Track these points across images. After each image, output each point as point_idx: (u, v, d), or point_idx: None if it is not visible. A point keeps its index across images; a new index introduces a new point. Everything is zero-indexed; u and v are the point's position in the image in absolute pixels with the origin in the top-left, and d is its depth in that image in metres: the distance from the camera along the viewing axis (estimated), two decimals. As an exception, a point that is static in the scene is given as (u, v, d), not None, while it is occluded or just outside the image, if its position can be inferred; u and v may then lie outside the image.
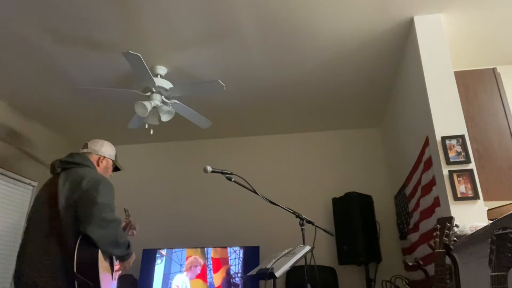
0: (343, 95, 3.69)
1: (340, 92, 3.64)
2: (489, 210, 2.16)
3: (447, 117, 2.39)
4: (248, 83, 3.48)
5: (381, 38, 2.89)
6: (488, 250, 1.16)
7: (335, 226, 3.68)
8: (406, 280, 3.37)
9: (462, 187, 2.19)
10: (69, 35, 2.83)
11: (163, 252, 3.87)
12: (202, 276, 3.70)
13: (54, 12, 2.59)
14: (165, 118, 3.09)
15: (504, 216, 1.43)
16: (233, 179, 2.05)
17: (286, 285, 3.66)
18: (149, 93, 3.09)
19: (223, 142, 4.65)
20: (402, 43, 2.95)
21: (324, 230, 2.34)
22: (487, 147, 2.35)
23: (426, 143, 2.57)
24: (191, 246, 4.04)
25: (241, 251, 3.75)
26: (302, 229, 2.15)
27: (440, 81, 2.49)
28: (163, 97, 3.12)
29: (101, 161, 2.27)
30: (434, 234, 1.73)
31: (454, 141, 2.30)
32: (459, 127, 2.34)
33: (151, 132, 3.42)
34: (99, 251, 1.83)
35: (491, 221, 1.69)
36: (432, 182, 2.47)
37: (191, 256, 3.80)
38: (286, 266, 1.67)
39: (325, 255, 3.88)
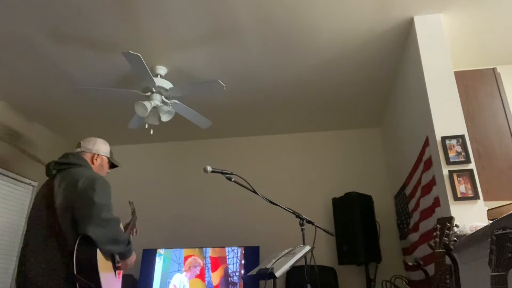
0: (343, 95, 3.69)
1: (340, 92, 3.64)
2: (489, 210, 2.16)
3: (447, 117, 2.38)
4: (248, 83, 3.48)
5: (381, 38, 2.89)
6: (488, 250, 1.16)
7: (335, 226, 3.68)
8: (406, 280, 3.38)
9: (462, 187, 2.19)
10: (69, 35, 2.83)
11: (162, 251, 3.87)
12: (201, 275, 3.70)
13: (54, 12, 2.59)
14: (165, 118, 3.09)
15: (504, 216, 1.43)
16: (233, 179, 2.05)
17: (286, 285, 3.66)
18: (149, 93, 3.09)
19: (223, 142, 4.65)
20: (402, 43, 2.95)
21: (324, 230, 2.34)
22: (487, 147, 2.35)
23: (426, 143, 2.57)
24: (191, 246, 4.04)
25: (239, 250, 3.75)
26: (302, 229, 2.15)
27: (440, 81, 2.49)
28: (163, 97, 3.12)
29: (96, 159, 2.24)
30: (434, 234, 1.74)
31: (454, 141, 2.30)
32: (459, 127, 2.34)
33: (151, 132, 3.42)
34: (98, 251, 1.82)
35: (491, 221, 1.69)
36: (432, 182, 2.47)
37: (190, 256, 3.80)
38: (286, 266, 1.67)
39: (325, 255, 3.88)
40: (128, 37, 2.85)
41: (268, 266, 1.65)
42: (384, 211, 3.95)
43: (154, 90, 3.07)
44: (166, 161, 4.68)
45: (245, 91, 3.60)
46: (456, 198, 2.17)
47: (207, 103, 3.81)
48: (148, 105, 2.96)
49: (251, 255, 3.70)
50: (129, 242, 2.00)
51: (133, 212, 2.54)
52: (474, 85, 2.53)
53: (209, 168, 1.98)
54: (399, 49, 3.02)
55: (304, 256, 1.86)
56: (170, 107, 3.18)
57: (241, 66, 3.22)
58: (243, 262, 3.70)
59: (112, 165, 2.38)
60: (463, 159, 2.25)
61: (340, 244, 3.57)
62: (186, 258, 3.81)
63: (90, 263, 1.79)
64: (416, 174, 2.91)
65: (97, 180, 1.95)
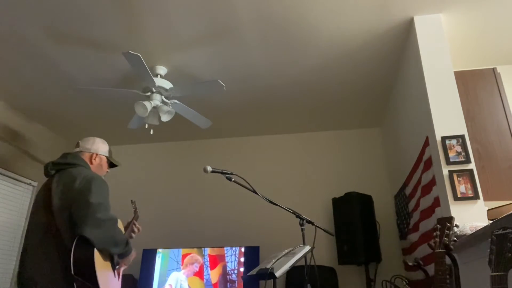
0: (343, 95, 3.69)
1: (340, 92, 3.64)
2: (489, 210, 2.16)
3: (447, 117, 2.38)
4: (248, 83, 3.48)
5: (381, 38, 2.89)
6: (488, 250, 1.16)
7: (335, 226, 3.68)
8: (406, 280, 3.38)
9: (462, 187, 2.19)
10: (69, 35, 2.83)
11: (161, 250, 3.87)
12: (199, 273, 3.70)
13: (54, 12, 2.59)
14: (165, 118, 3.10)
15: (504, 216, 1.43)
16: (233, 179, 2.05)
17: (286, 285, 3.66)
18: (149, 93, 3.09)
19: (223, 142, 4.65)
20: (402, 43, 2.95)
21: (324, 230, 2.34)
22: (487, 147, 2.35)
23: (426, 143, 2.57)
24: (191, 246, 4.04)
25: (238, 249, 3.75)
26: (302, 229, 2.15)
27: (440, 81, 2.49)
28: (163, 97, 3.12)
29: (94, 159, 2.23)
30: (434, 234, 1.74)
31: (454, 141, 2.30)
32: (459, 127, 2.34)
33: (151, 132, 3.42)
34: (96, 251, 1.82)
35: (491, 221, 1.69)
36: (432, 182, 2.47)
37: (189, 254, 3.80)
38: (286, 266, 1.67)
39: (325, 255, 3.88)
40: (128, 37, 2.85)
41: (268, 266, 1.65)
42: (384, 211, 3.95)
43: (154, 90, 3.07)
44: (166, 161, 4.68)
45: (245, 91, 3.60)
46: (456, 198, 2.17)
47: (207, 103, 3.81)
48: (148, 105, 2.96)
49: (251, 255, 3.70)
50: (127, 243, 1.99)
51: (135, 211, 2.54)
52: (474, 85, 2.53)
53: (209, 168, 1.98)
54: (399, 49, 3.02)
55: (304, 256, 1.87)
56: (170, 107, 3.18)
57: (241, 66, 3.22)
58: (241, 259, 3.70)
59: (111, 165, 2.38)
60: (463, 159, 2.25)
61: (340, 244, 3.57)
62: (184, 256, 3.80)
63: (88, 264, 1.79)
64: (416, 174, 2.91)
65: (93, 180, 1.94)
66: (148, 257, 3.87)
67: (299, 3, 2.54)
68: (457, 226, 1.82)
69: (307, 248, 1.89)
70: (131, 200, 2.69)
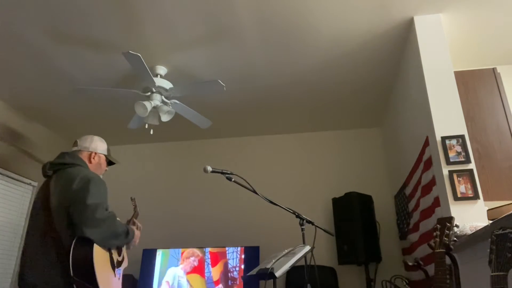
0: (343, 95, 3.69)
1: (340, 92, 3.64)
2: (489, 210, 2.16)
3: (447, 117, 2.38)
4: (248, 83, 3.48)
5: (381, 38, 2.89)
6: (488, 250, 1.16)
7: (335, 226, 3.69)
8: (406, 280, 3.37)
9: (462, 187, 2.19)
10: (69, 35, 2.83)
11: (161, 250, 3.87)
12: (200, 270, 3.69)
13: (54, 12, 2.59)
14: (165, 118, 3.09)
15: (504, 216, 1.43)
16: (233, 179, 2.05)
17: (286, 285, 3.66)
18: (149, 93, 3.09)
19: (223, 142, 4.65)
20: (402, 43, 2.94)
21: (324, 230, 2.34)
22: (487, 147, 2.35)
23: (426, 143, 2.57)
24: (191, 247, 4.04)
25: (240, 248, 3.75)
26: (302, 229, 2.15)
27: (440, 81, 2.49)
28: (163, 97, 3.12)
29: (93, 158, 2.22)
30: (434, 234, 1.73)
31: (454, 141, 2.30)
32: (459, 127, 2.34)
33: (151, 132, 3.42)
34: (94, 252, 1.82)
35: (491, 221, 1.69)
36: (432, 182, 2.47)
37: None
38: (286, 266, 1.67)
39: (325, 255, 3.88)
40: (128, 37, 2.85)
41: (268, 266, 1.65)
42: (384, 211, 3.95)
43: (154, 90, 3.07)
44: (166, 161, 4.68)
45: (245, 91, 3.60)
46: (456, 198, 2.17)
47: (207, 103, 3.81)
48: (148, 105, 2.96)
49: (251, 255, 3.70)
50: (127, 233, 2.01)
51: (135, 209, 2.54)
52: (474, 85, 2.53)
53: (209, 168, 1.98)
54: (399, 49, 3.02)
55: (304, 256, 1.87)
56: (170, 107, 3.18)
57: (241, 66, 3.22)
58: (243, 256, 3.69)
59: (110, 163, 2.37)
60: (463, 159, 2.24)
61: (340, 244, 3.57)
62: (183, 253, 3.80)
63: (87, 264, 1.79)
64: (416, 174, 2.91)
65: (91, 180, 1.94)
66: (148, 257, 3.86)
67: (299, 3, 2.54)
68: (457, 226, 1.82)
69: (307, 248, 1.89)
70: (131, 197, 2.66)
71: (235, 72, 3.30)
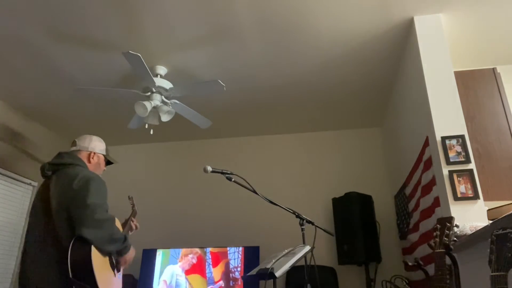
0: (343, 95, 3.69)
1: (340, 92, 3.64)
2: (489, 210, 2.16)
3: (447, 117, 2.38)
4: (248, 83, 3.48)
5: (381, 38, 2.89)
6: (488, 250, 1.16)
7: (335, 226, 3.68)
8: (406, 280, 3.37)
9: (462, 187, 2.19)
10: (69, 35, 2.83)
11: (161, 250, 3.87)
12: (201, 270, 3.68)
13: (54, 12, 2.59)
14: (165, 118, 3.09)
15: (504, 216, 1.43)
16: (233, 179, 2.05)
17: (286, 285, 3.66)
18: (149, 93, 3.09)
19: (223, 142, 4.65)
20: (402, 43, 2.94)
21: (324, 230, 2.34)
22: (487, 147, 2.35)
23: (426, 143, 2.57)
24: (191, 247, 4.04)
25: (241, 249, 3.75)
26: (302, 229, 2.15)
27: (440, 81, 2.49)
28: (163, 97, 3.12)
29: (92, 158, 2.21)
30: (434, 234, 1.73)
31: (454, 141, 2.30)
32: (459, 127, 2.34)
33: (151, 132, 3.42)
34: (93, 252, 1.82)
35: (491, 221, 1.69)
36: (432, 182, 2.47)
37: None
38: (286, 266, 1.67)
39: (325, 255, 3.88)
40: (128, 37, 2.85)
41: (268, 266, 1.65)
42: (384, 211, 3.95)
43: (154, 90, 3.07)
44: (166, 161, 4.68)
45: (245, 91, 3.60)
46: (456, 198, 2.17)
47: (207, 103, 3.81)
48: (148, 105, 2.96)
49: (251, 255, 3.70)
50: (125, 239, 1.98)
51: (133, 207, 2.53)
52: (474, 85, 2.53)
53: (209, 168, 1.98)
54: (399, 49, 3.02)
55: (304, 256, 1.87)
56: (170, 107, 3.18)
57: (241, 66, 3.22)
58: (242, 261, 3.69)
59: (108, 162, 2.37)
60: (463, 159, 2.24)
61: (340, 244, 3.57)
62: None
63: (85, 265, 1.79)
64: (416, 174, 2.91)
65: (91, 180, 1.93)
66: (148, 257, 3.86)
67: (299, 3, 2.54)
68: (457, 226, 1.82)
69: (307, 248, 1.89)
70: (129, 196, 2.64)
71: (235, 72, 3.30)
